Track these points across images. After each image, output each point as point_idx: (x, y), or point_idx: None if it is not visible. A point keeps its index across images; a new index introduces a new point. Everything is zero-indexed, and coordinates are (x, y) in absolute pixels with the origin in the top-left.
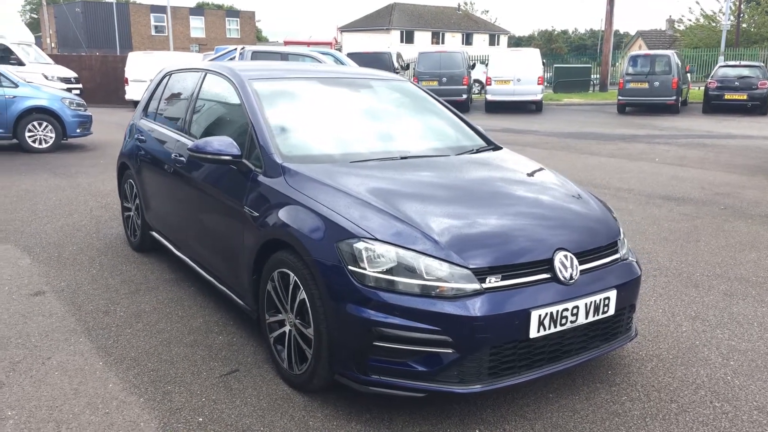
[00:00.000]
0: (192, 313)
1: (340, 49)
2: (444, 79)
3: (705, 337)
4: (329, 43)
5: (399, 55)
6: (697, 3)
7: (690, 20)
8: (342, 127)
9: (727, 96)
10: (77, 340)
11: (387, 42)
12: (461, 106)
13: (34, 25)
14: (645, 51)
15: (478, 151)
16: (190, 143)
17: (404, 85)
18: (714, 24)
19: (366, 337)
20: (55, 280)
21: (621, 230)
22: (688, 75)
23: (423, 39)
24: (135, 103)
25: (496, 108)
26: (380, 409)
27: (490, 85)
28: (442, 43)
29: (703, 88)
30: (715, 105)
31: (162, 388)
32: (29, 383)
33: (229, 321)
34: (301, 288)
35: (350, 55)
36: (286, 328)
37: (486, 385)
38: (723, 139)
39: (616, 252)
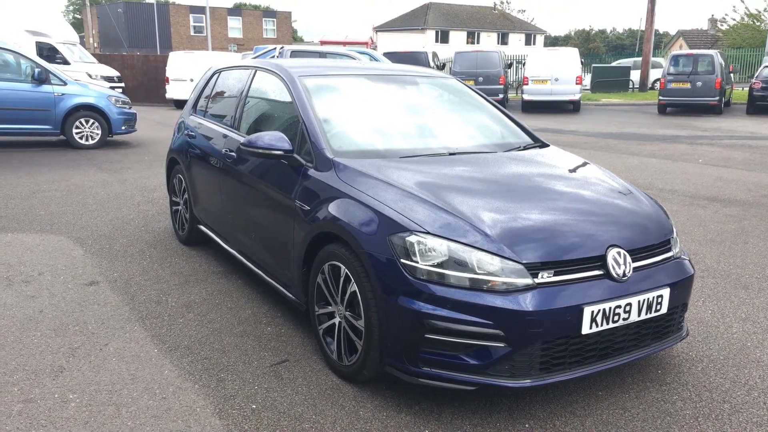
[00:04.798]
0: (240, 305)
1: (375, 49)
2: (480, 79)
3: (756, 339)
4: (365, 43)
5: (435, 55)
6: (742, 2)
7: (734, 19)
8: (390, 123)
9: None
10: (132, 328)
11: (422, 42)
12: None
13: (76, 25)
14: (687, 50)
15: (525, 148)
16: (240, 139)
17: (450, 82)
18: (759, 23)
19: (418, 330)
20: (108, 270)
21: (674, 228)
22: (732, 75)
23: (458, 39)
24: (175, 102)
25: (533, 108)
26: (429, 401)
27: (527, 84)
28: (478, 42)
29: (746, 89)
30: (759, 106)
31: (215, 376)
32: (88, 368)
33: (276, 312)
34: (352, 280)
35: (386, 55)
36: (336, 320)
37: (536, 380)
38: None
39: (669, 250)
